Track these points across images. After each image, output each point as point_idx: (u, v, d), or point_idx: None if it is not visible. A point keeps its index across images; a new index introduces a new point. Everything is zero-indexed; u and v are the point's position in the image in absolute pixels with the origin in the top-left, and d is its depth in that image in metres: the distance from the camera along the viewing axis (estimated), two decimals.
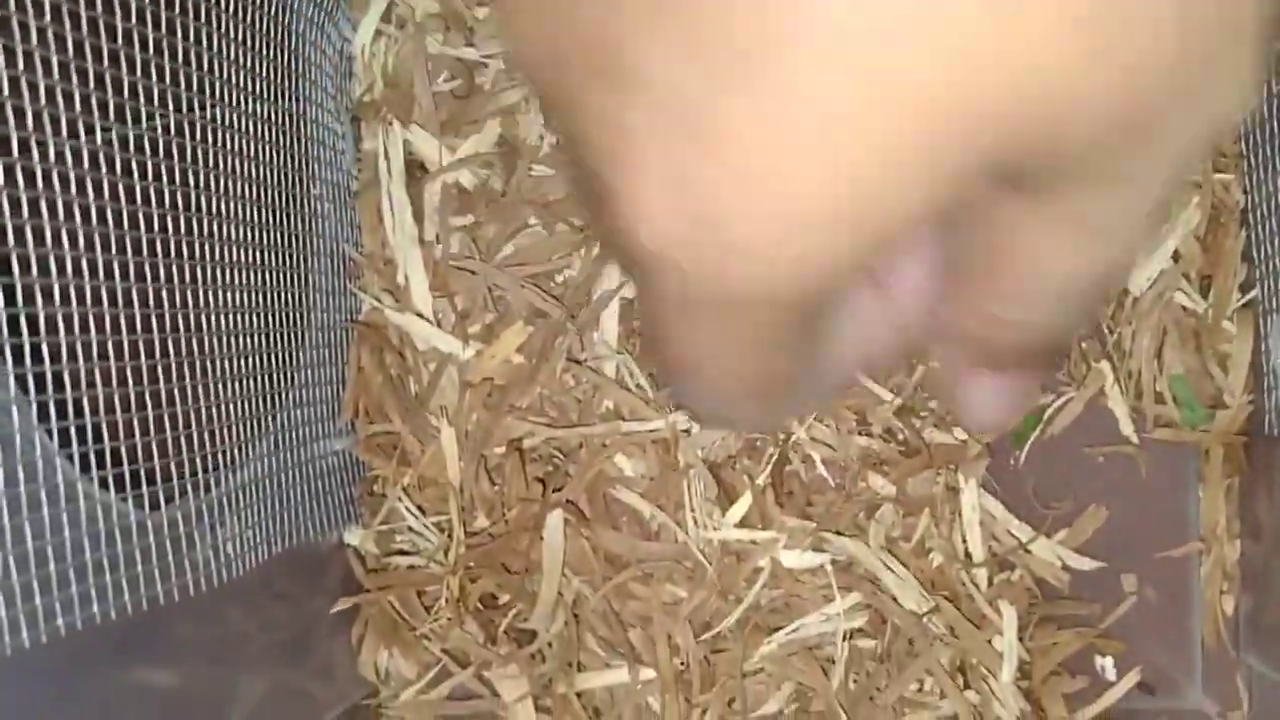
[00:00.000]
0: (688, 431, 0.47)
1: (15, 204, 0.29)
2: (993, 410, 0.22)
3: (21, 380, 0.29)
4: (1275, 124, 0.44)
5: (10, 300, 0.28)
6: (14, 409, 0.28)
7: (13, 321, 0.29)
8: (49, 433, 0.30)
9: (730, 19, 0.14)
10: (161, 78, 0.36)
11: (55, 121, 0.30)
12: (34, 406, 0.29)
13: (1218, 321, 0.47)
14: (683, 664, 0.47)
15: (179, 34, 0.37)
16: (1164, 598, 0.48)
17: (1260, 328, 0.46)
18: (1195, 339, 0.47)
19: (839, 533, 0.47)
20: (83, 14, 0.32)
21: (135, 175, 0.34)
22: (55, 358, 0.30)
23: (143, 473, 0.34)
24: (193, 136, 0.37)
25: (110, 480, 0.32)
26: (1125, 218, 0.18)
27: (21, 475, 0.29)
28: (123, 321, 0.33)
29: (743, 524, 0.46)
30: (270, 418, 0.41)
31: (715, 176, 0.15)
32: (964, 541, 0.47)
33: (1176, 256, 0.47)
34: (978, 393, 0.22)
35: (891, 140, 0.15)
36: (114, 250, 0.33)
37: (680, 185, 0.15)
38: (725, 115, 0.15)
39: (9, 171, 0.29)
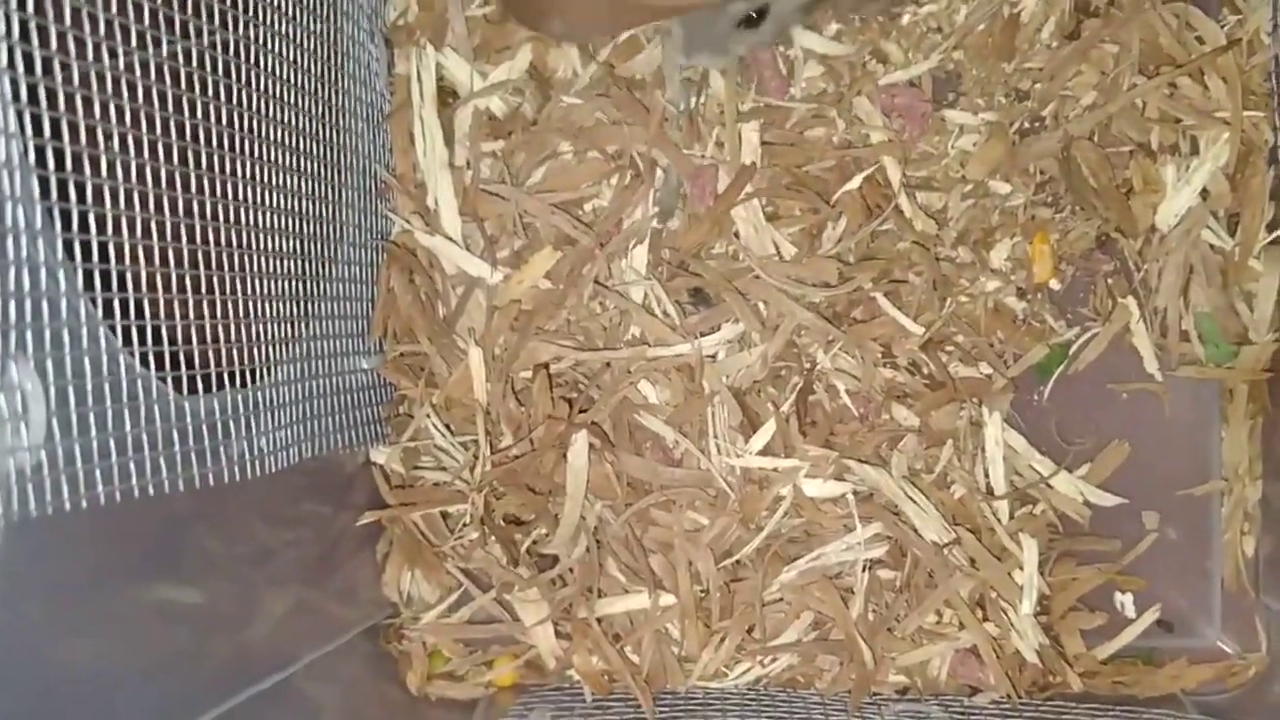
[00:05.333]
0: (713, 358, 0.47)
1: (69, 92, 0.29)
2: None
3: (68, 246, 0.29)
4: None
5: (60, 165, 0.29)
6: (60, 272, 0.29)
7: (61, 187, 0.29)
8: (93, 301, 0.30)
9: None
10: None
11: (125, 31, 0.31)
12: (79, 273, 0.29)
13: (1245, 259, 0.47)
14: (703, 591, 0.47)
15: None
16: (1184, 536, 0.48)
17: None
18: (1222, 277, 0.47)
19: (862, 462, 0.47)
20: None
21: (181, 63, 0.34)
22: (101, 228, 0.30)
23: (181, 355, 0.34)
24: (235, 55, 0.37)
25: (151, 358, 0.32)
26: None
27: (67, 340, 0.29)
28: (165, 202, 0.33)
29: (765, 452, 0.46)
30: (303, 324, 0.42)
31: None
32: (986, 475, 0.47)
33: (1205, 194, 0.47)
34: None
35: None
36: (159, 132, 0.33)
37: None
38: None
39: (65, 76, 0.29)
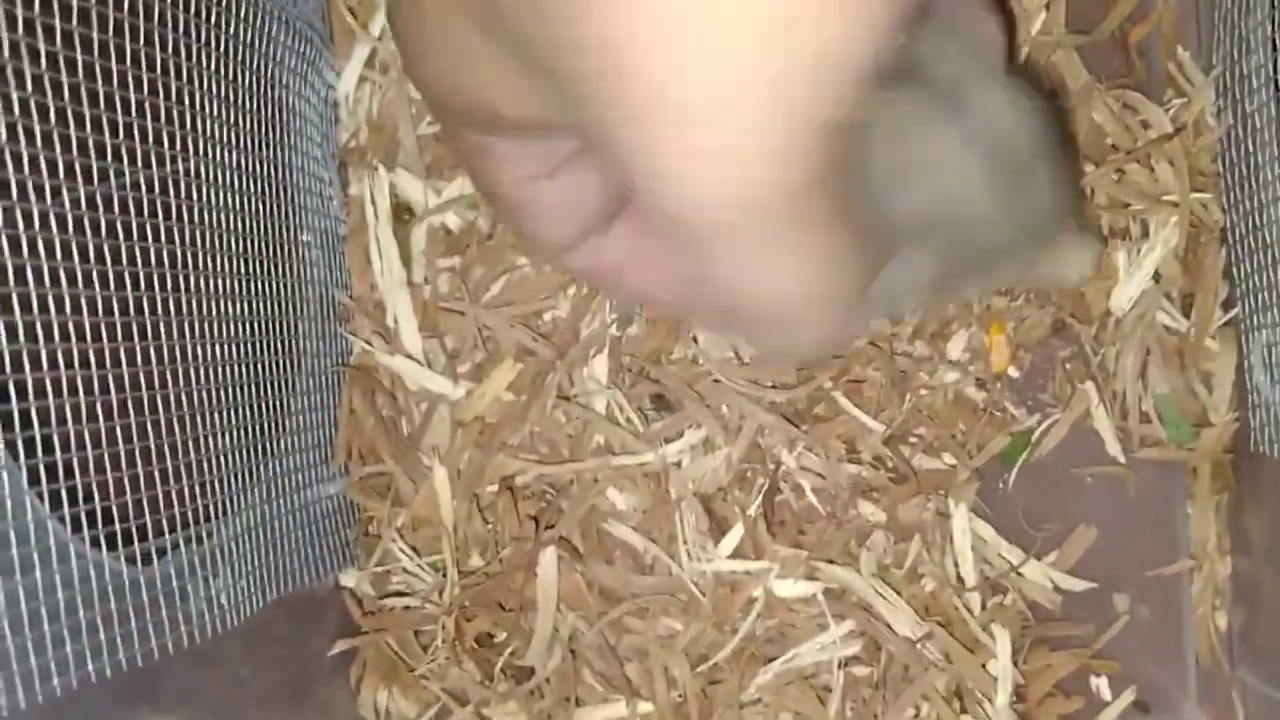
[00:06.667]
0: (678, 464, 0.47)
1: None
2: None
3: (11, 446, 0.29)
4: (1250, 142, 0.44)
5: None
6: (4, 474, 0.29)
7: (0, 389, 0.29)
8: (40, 496, 0.30)
9: None
10: (145, 139, 0.36)
11: (39, 189, 0.31)
12: (24, 471, 0.30)
13: (1200, 340, 0.47)
14: (680, 696, 0.47)
15: (161, 94, 0.37)
16: (1156, 616, 0.49)
17: (1242, 345, 0.46)
18: (1179, 358, 0.47)
19: (831, 561, 0.47)
20: (64, 81, 0.32)
21: (120, 235, 0.35)
22: (44, 421, 0.31)
23: (134, 529, 0.34)
24: (178, 194, 0.38)
25: (101, 539, 0.33)
26: None
27: (14, 539, 0.29)
28: (110, 381, 0.33)
29: (735, 555, 0.47)
30: (262, 466, 0.42)
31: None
32: (956, 566, 0.48)
33: (1157, 276, 0.47)
34: None
35: None
36: (101, 312, 0.33)
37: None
38: None
39: None
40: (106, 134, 0.34)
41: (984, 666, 0.47)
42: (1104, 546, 0.48)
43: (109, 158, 0.34)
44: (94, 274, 0.33)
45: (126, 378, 0.34)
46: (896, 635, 0.47)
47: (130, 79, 0.36)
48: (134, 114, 0.36)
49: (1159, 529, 0.48)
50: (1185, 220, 0.47)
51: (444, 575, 0.47)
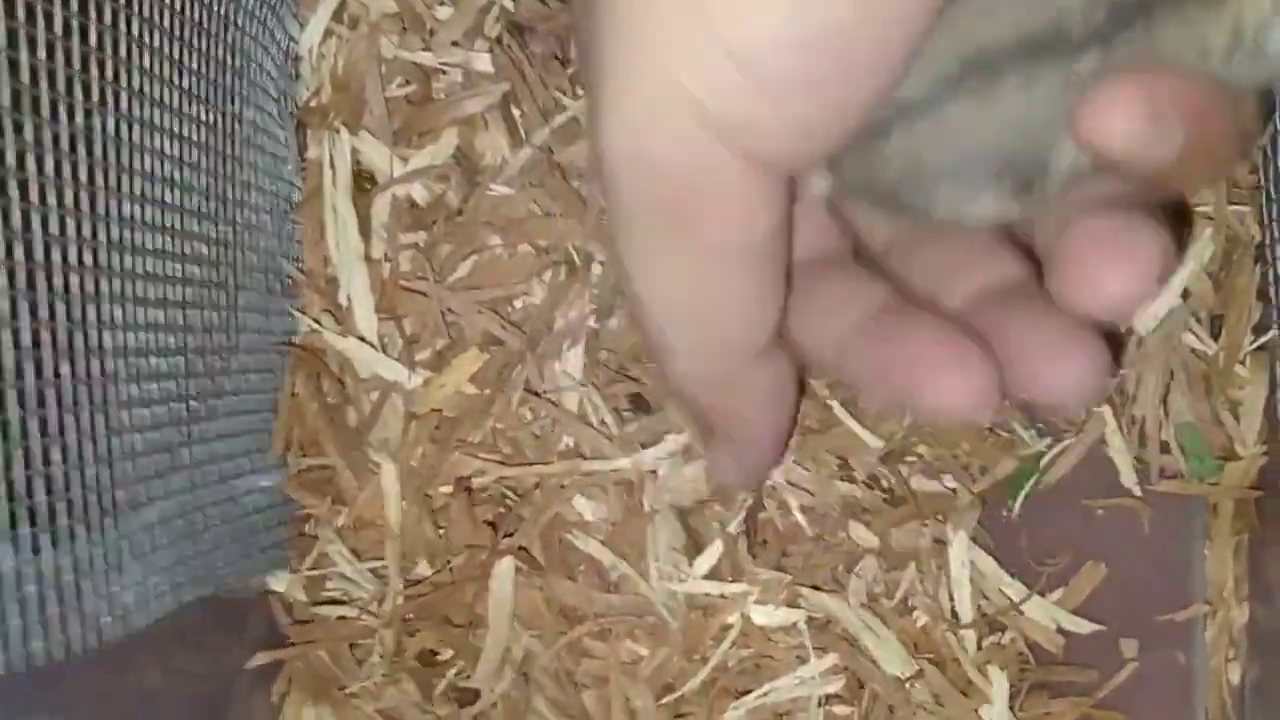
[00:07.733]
0: (654, 473, 0.43)
1: None
2: None
3: None
4: None
5: None
6: None
7: None
8: None
9: None
10: (69, 62, 0.32)
11: None
12: None
13: (1230, 365, 0.44)
14: None
15: (94, 15, 0.33)
16: (1166, 664, 0.45)
17: (1275, 373, 0.43)
18: (1205, 384, 0.44)
19: (816, 587, 0.43)
20: None
21: (31, 169, 0.30)
22: None
23: (23, 512, 0.29)
24: (105, 131, 0.33)
25: None
26: None
27: None
28: (2, 336, 0.28)
29: (711, 575, 0.43)
30: (185, 450, 0.37)
31: None
32: (951, 600, 0.44)
33: (1185, 294, 0.44)
34: None
35: None
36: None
37: None
38: None
39: None
40: (24, 51, 0.30)
41: (977, 711, 0.43)
42: (1113, 586, 0.44)
43: (23, 79, 0.30)
44: None
45: (27, 333, 0.29)
46: (883, 673, 0.43)
47: None
48: (59, 33, 0.31)
49: (1173, 569, 0.45)
50: (1220, 235, 0.43)
51: (386, 583, 0.43)
